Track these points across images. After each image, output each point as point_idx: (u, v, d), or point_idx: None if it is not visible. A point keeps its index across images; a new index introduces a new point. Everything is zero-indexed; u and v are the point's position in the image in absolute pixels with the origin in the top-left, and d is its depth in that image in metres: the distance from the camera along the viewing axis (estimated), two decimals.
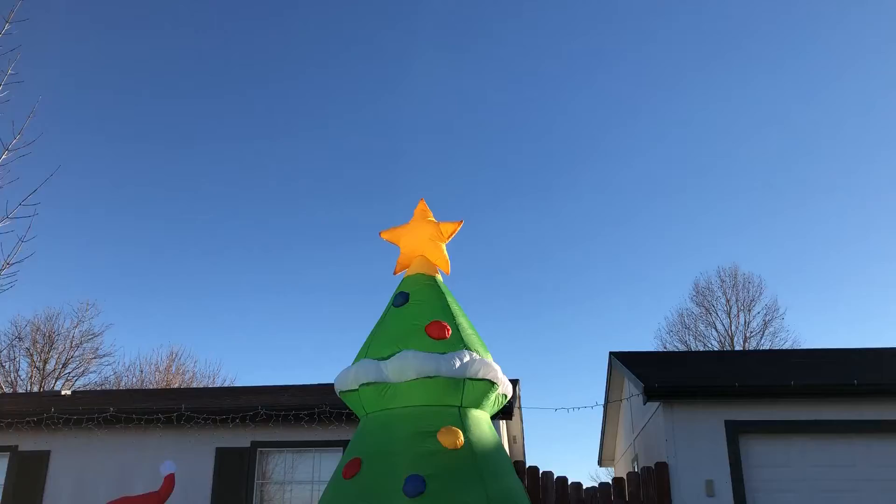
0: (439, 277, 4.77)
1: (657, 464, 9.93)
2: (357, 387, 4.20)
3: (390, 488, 3.71)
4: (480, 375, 4.17)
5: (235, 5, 32.36)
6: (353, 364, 4.34)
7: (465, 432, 3.98)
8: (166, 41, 32.92)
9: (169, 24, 32.42)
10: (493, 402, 4.37)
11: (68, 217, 35.20)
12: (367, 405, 4.24)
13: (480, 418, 4.23)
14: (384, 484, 3.75)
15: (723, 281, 31.92)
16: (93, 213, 36.61)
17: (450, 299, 4.57)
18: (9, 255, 5.70)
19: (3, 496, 10.00)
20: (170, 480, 3.28)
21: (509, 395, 4.50)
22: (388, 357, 4.17)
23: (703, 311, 31.72)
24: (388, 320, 4.45)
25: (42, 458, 10.24)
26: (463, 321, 4.44)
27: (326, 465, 10.17)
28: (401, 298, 4.51)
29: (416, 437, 3.91)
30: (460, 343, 4.25)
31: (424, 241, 4.73)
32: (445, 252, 4.78)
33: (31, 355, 28.86)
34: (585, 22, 32.52)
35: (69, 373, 29.30)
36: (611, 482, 10.18)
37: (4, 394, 22.10)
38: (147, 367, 30.04)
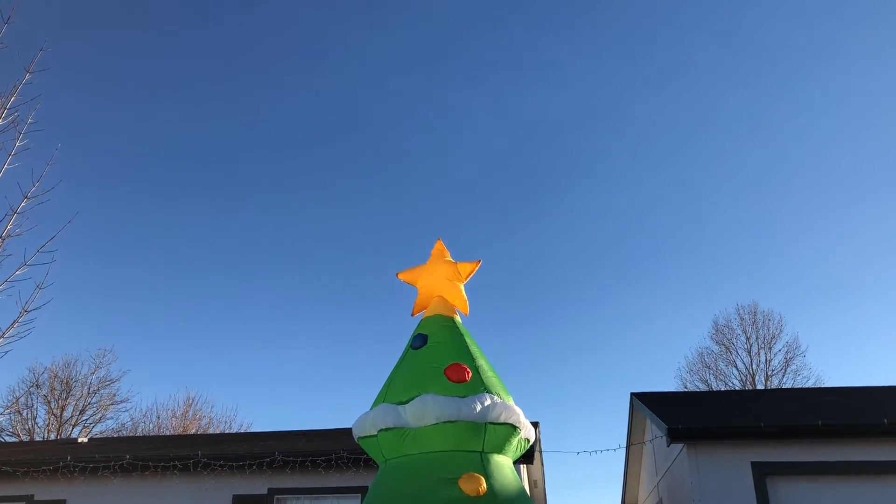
0: (458, 318, 4.70)
1: None
2: (376, 432, 4.11)
3: None
4: (502, 419, 4.08)
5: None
6: (371, 409, 4.26)
7: (487, 478, 3.87)
8: (189, 93, 33.51)
9: (193, 78, 33.01)
10: (516, 447, 4.26)
11: (86, 264, 35.46)
12: (385, 451, 4.14)
13: (503, 464, 4.12)
14: None
15: (742, 319, 31.55)
16: (109, 261, 36.89)
17: (469, 340, 4.49)
18: (27, 302, 5.69)
19: None
20: None
21: (532, 440, 4.39)
22: (408, 401, 4.08)
23: (723, 349, 31.31)
24: (407, 363, 4.37)
25: None
26: (483, 363, 4.36)
27: None
28: (419, 340, 4.44)
29: (437, 484, 3.81)
30: (481, 386, 4.16)
31: (442, 282, 4.68)
32: (464, 292, 4.72)
33: (49, 402, 28.86)
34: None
35: (86, 419, 29.22)
36: None
37: (21, 442, 22.04)
38: (164, 412, 29.93)
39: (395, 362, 4.55)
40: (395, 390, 4.21)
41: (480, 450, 4.01)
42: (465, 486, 3.78)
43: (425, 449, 3.99)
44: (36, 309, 5.68)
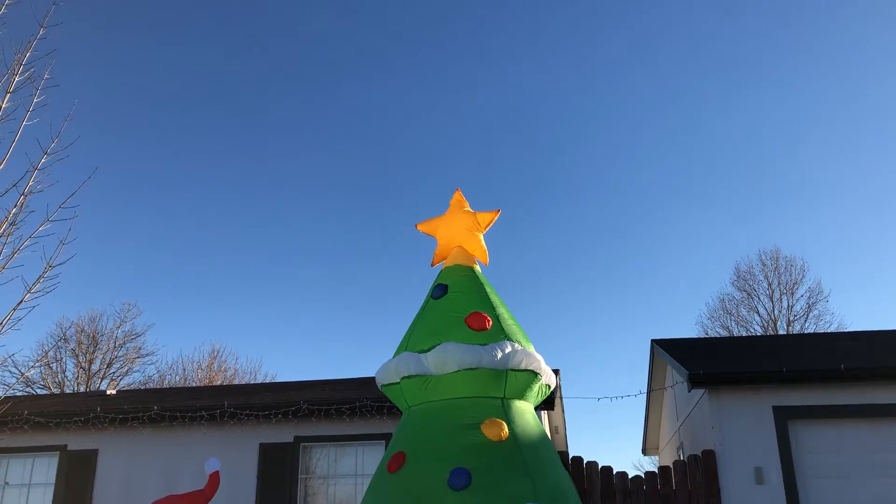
0: (478, 268, 4.70)
1: (704, 452, 9.77)
2: (398, 380, 4.15)
3: (436, 482, 3.66)
4: (523, 366, 4.10)
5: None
6: (393, 357, 4.30)
7: (509, 424, 3.91)
8: (204, 46, 33.29)
9: (208, 25, 32.76)
10: (537, 393, 4.30)
11: (108, 219, 35.81)
12: (408, 398, 4.19)
13: (524, 409, 4.16)
14: (429, 477, 3.70)
15: (764, 265, 31.37)
16: (132, 215, 37.22)
17: (489, 290, 4.50)
18: (51, 258, 5.76)
19: (54, 494, 10.19)
20: (215, 478, 3.27)
21: (553, 386, 4.41)
22: (429, 349, 4.11)
23: (745, 295, 31.22)
24: (428, 313, 4.40)
25: (90, 457, 10.41)
26: (503, 311, 4.37)
27: (369, 458, 10.18)
28: (439, 290, 4.45)
29: (459, 429, 3.86)
30: (501, 334, 4.18)
31: (461, 232, 4.66)
32: (483, 242, 4.71)
33: (77, 356, 29.46)
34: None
35: (114, 372, 29.85)
36: (657, 471, 10.04)
37: (52, 394, 22.57)
38: (189, 365, 30.49)
39: (417, 312, 4.57)
40: (417, 339, 4.24)
41: (502, 396, 4.05)
42: (488, 431, 3.83)
43: (447, 396, 4.03)
44: (60, 264, 5.75)
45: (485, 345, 4.05)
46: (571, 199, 37.35)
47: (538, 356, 4.23)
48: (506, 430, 3.86)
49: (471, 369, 3.99)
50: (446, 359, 4.02)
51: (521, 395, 4.16)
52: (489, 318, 4.20)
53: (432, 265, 4.75)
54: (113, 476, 10.32)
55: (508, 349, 4.07)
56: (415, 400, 4.17)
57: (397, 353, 4.32)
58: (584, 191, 37.70)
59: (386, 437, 9.59)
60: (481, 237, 4.66)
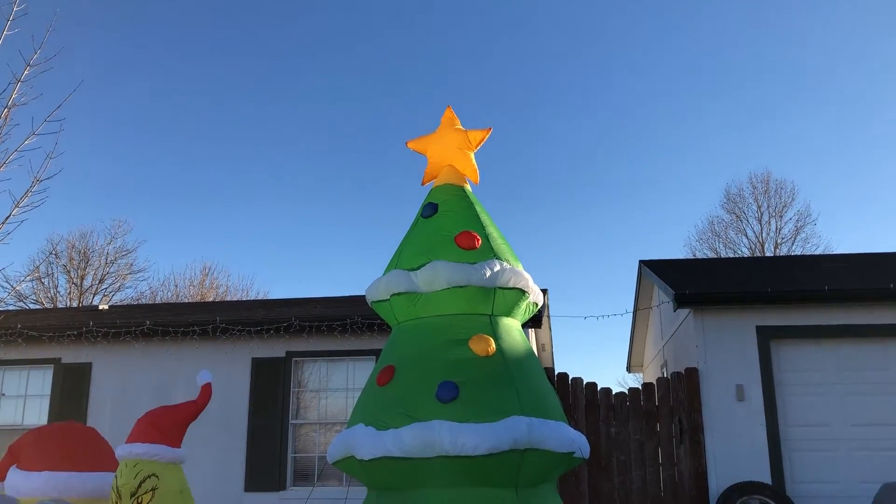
0: (468, 187, 4.69)
1: (687, 369, 10.00)
2: (388, 297, 4.20)
3: (424, 394, 3.75)
4: (511, 284, 4.15)
5: None
6: (383, 275, 4.33)
7: (496, 340, 3.98)
8: None
9: None
10: (524, 311, 4.36)
11: (96, 132, 35.32)
12: (398, 315, 4.25)
13: (511, 326, 4.22)
14: (418, 390, 3.79)
15: (754, 187, 31.41)
16: (120, 129, 36.70)
17: (479, 209, 4.50)
18: (38, 172, 5.72)
19: (50, 405, 10.38)
20: (207, 389, 3.33)
21: (540, 304, 4.47)
22: (419, 267, 4.14)
23: (734, 217, 31.37)
24: (418, 231, 4.41)
25: (84, 370, 10.56)
26: (493, 231, 4.39)
27: (360, 373, 10.38)
28: (429, 209, 4.45)
29: (448, 344, 3.93)
30: (490, 253, 4.21)
31: (452, 150, 4.64)
32: (474, 161, 4.69)
33: (69, 272, 29.53)
34: None
35: (106, 288, 30.00)
36: (640, 387, 10.29)
37: (45, 309, 22.72)
38: (181, 281, 30.65)
39: (407, 231, 4.58)
40: (407, 257, 4.27)
41: (490, 313, 4.10)
42: (475, 346, 3.90)
43: (436, 312, 4.09)
44: (48, 178, 5.72)
45: (474, 263, 4.09)
46: (561, 118, 37.02)
47: (526, 275, 4.27)
48: (493, 345, 3.93)
49: (460, 287, 4.03)
50: (436, 277, 4.05)
51: (509, 313, 4.22)
52: (479, 236, 4.22)
53: (422, 184, 4.74)
54: (107, 389, 10.50)
55: (497, 268, 4.11)
56: (404, 316, 4.23)
57: (387, 270, 4.35)
58: (574, 109, 37.33)
59: (376, 353, 9.75)
60: (472, 156, 4.63)
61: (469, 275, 4.03)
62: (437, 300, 4.07)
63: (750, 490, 9.15)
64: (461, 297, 4.04)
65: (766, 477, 9.39)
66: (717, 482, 9.46)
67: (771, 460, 9.44)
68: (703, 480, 9.58)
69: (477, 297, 4.06)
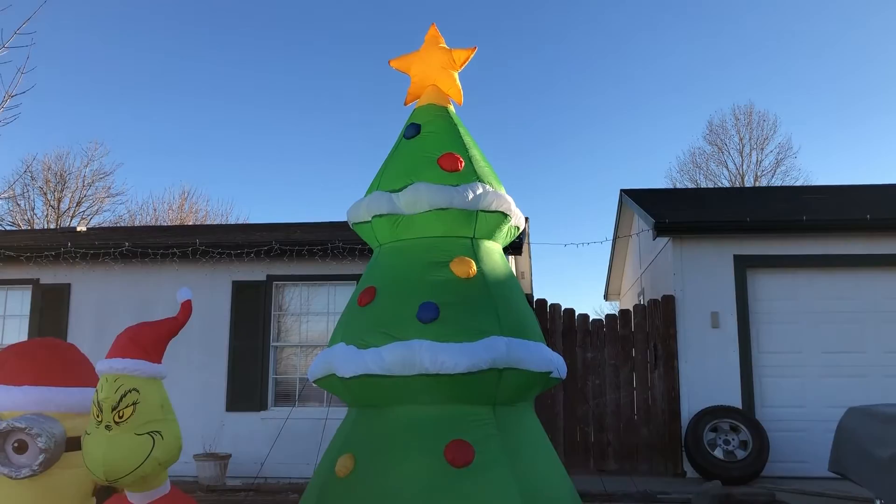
0: (452, 108, 4.62)
1: (664, 296, 10.13)
2: (370, 218, 4.18)
3: (404, 315, 3.77)
4: (493, 207, 4.13)
5: None
6: (365, 196, 4.30)
7: (477, 262, 3.99)
8: None
9: None
10: (506, 234, 4.36)
11: (70, 49, 34.34)
12: (379, 236, 4.23)
13: (492, 249, 4.23)
14: (398, 310, 3.81)
15: (737, 119, 31.33)
16: (96, 47, 35.70)
17: (462, 130, 4.45)
18: (9, 87, 5.55)
19: (30, 325, 10.37)
20: (187, 306, 3.32)
21: (521, 228, 4.48)
22: (401, 189, 4.11)
23: (716, 149, 31.39)
24: (400, 152, 4.36)
25: (63, 291, 10.53)
26: (476, 153, 4.35)
27: (341, 297, 10.43)
28: (412, 130, 4.39)
29: (429, 266, 3.93)
30: (473, 175, 4.18)
31: (436, 70, 4.55)
32: (458, 81, 4.61)
33: (45, 194, 29.13)
34: None
35: (83, 211, 29.70)
36: (617, 313, 10.44)
37: (22, 230, 22.49)
38: (160, 205, 30.37)
39: (389, 152, 4.53)
40: (389, 178, 4.23)
41: (471, 236, 4.10)
42: (456, 268, 3.91)
43: (418, 235, 4.08)
44: (21, 94, 5.56)
45: (456, 186, 4.06)
46: (548, 43, 36.42)
47: (508, 198, 4.25)
48: (474, 267, 3.94)
49: (442, 209, 4.02)
50: (417, 199, 4.03)
51: (491, 236, 4.22)
52: (461, 159, 4.19)
53: (405, 104, 4.66)
54: (86, 310, 10.48)
55: (480, 190, 4.09)
56: (385, 238, 4.22)
57: (369, 192, 4.32)
58: (561, 36, 36.70)
59: (357, 278, 9.77)
60: (456, 76, 4.55)
61: (451, 197, 4.01)
62: (418, 222, 4.06)
63: (720, 413, 9.41)
64: (443, 219, 4.03)
65: (736, 402, 9.65)
66: (690, 406, 9.71)
67: (742, 386, 9.68)
68: (675, 404, 9.82)
69: (459, 219, 4.05)
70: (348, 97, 39.52)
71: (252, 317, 10.36)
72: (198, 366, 10.24)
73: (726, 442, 9.31)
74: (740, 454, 9.21)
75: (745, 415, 9.42)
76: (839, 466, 6.99)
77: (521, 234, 10.29)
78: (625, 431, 10.06)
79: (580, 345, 10.29)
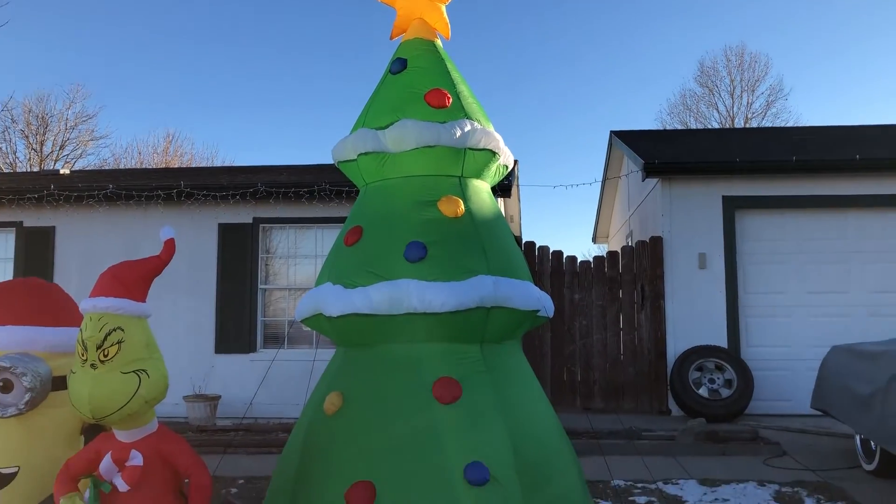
0: (439, 42, 4.50)
1: (651, 237, 10.15)
2: (355, 156, 4.10)
3: (392, 254, 3.73)
4: (482, 145, 4.06)
5: None
6: (350, 133, 4.21)
7: (465, 201, 3.94)
8: None
9: None
10: (494, 173, 4.30)
11: None
12: (366, 175, 4.16)
13: (481, 188, 4.17)
14: (385, 250, 3.77)
15: (728, 60, 31.07)
16: None
17: (450, 66, 4.34)
18: None
19: (14, 269, 10.30)
20: (170, 245, 3.27)
21: (510, 167, 4.41)
22: (387, 126, 4.02)
23: (707, 91, 31.20)
24: (386, 88, 4.25)
25: (47, 234, 10.44)
26: (464, 89, 4.25)
27: (328, 240, 10.40)
28: (398, 65, 4.27)
29: (416, 205, 3.87)
30: (461, 112, 4.09)
31: (422, 3, 4.41)
32: (445, 15, 4.47)
33: (27, 137, 28.68)
34: None
35: (67, 155, 29.34)
36: (605, 255, 10.46)
37: (4, 172, 22.19)
38: (144, 149, 30.01)
39: (374, 88, 4.43)
40: (374, 115, 4.14)
41: (459, 174, 4.04)
42: (444, 207, 3.85)
43: (405, 173, 4.01)
44: None
45: (444, 122, 3.97)
46: None
47: (497, 136, 4.18)
48: (462, 207, 3.89)
49: (429, 147, 3.94)
50: (404, 136, 3.95)
51: (479, 175, 4.16)
52: (449, 95, 4.09)
53: (391, 38, 4.54)
54: (71, 253, 10.41)
55: (468, 127, 4.01)
56: (372, 177, 4.15)
57: (354, 129, 4.23)
58: None
59: (344, 221, 9.73)
60: (443, 9, 4.42)
61: (439, 134, 3.93)
62: (405, 160, 3.98)
63: (706, 353, 9.52)
64: (430, 157, 3.96)
65: (722, 342, 9.76)
66: (676, 346, 9.82)
67: (728, 326, 9.79)
68: (661, 344, 9.93)
69: (446, 157, 3.98)
70: (334, 35, 38.79)
71: (239, 260, 10.32)
72: (186, 309, 10.24)
73: (711, 381, 9.45)
74: (725, 393, 9.35)
75: (730, 354, 9.54)
76: (821, 403, 7.12)
77: (509, 174, 10.24)
78: (611, 371, 10.18)
79: (568, 286, 10.33)
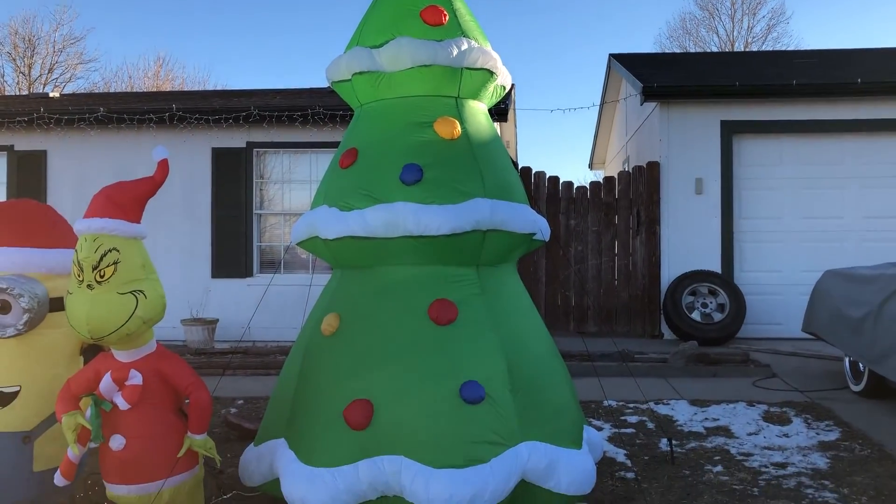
0: None
1: (648, 163, 10.10)
2: (350, 76, 4.02)
3: (387, 176, 3.70)
4: (479, 65, 3.98)
5: None
6: (345, 52, 4.12)
7: (461, 123, 3.89)
8: None
9: None
10: (492, 94, 4.23)
11: None
12: (360, 96, 4.09)
13: (477, 109, 4.12)
14: (381, 172, 3.74)
15: None
16: None
17: None
18: None
19: (7, 194, 10.25)
20: (163, 165, 3.24)
21: (508, 87, 4.34)
22: (381, 45, 3.93)
23: (707, 15, 30.60)
24: (381, 6, 4.14)
25: (39, 158, 10.34)
26: (460, 6, 4.15)
27: (323, 165, 10.31)
28: None
29: (412, 127, 3.83)
30: (458, 30, 4.00)
31: None
32: None
33: (14, 60, 28.14)
34: None
35: (56, 79, 28.84)
36: (601, 181, 10.42)
37: None
38: (135, 72, 29.49)
39: (369, 5, 4.31)
40: (369, 33, 4.04)
41: (456, 95, 3.98)
42: (440, 129, 3.81)
43: (400, 94, 3.95)
44: None
45: (440, 41, 3.89)
46: None
47: (495, 55, 4.10)
48: (458, 128, 3.85)
49: (425, 66, 3.87)
50: (400, 54, 3.87)
51: (476, 95, 4.09)
52: (445, 12, 3.99)
53: None
54: (64, 177, 10.34)
55: (465, 46, 3.92)
56: (367, 98, 4.08)
57: (348, 48, 4.14)
58: None
59: (338, 146, 9.66)
60: None
61: (435, 53, 3.85)
62: (400, 80, 3.92)
63: (699, 278, 9.59)
64: (426, 77, 3.89)
65: (716, 267, 9.82)
66: (670, 271, 9.88)
67: (722, 251, 9.83)
68: (656, 269, 9.99)
69: (443, 77, 3.91)
70: None
71: (233, 185, 10.27)
72: (182, 234, 10.24)
73: (704, 305, 9.55)
74: (717, 317, 9.46)
75: (723, 279, 9.61)
76: (812, 327, 7.21)
77: (506, 98, 10.10)
78: (605, 296, 10.27)
79: (563, 212, 10.32)
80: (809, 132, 9.76)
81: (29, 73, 28.09)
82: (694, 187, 9.79)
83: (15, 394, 3.36)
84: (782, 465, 4.62)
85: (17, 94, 26.41)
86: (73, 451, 3.05)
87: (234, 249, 10.24)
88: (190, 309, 9.94)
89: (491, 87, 4.17)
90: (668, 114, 9.89)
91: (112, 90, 28.18)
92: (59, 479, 3.09)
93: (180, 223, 10.16)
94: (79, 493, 3.92)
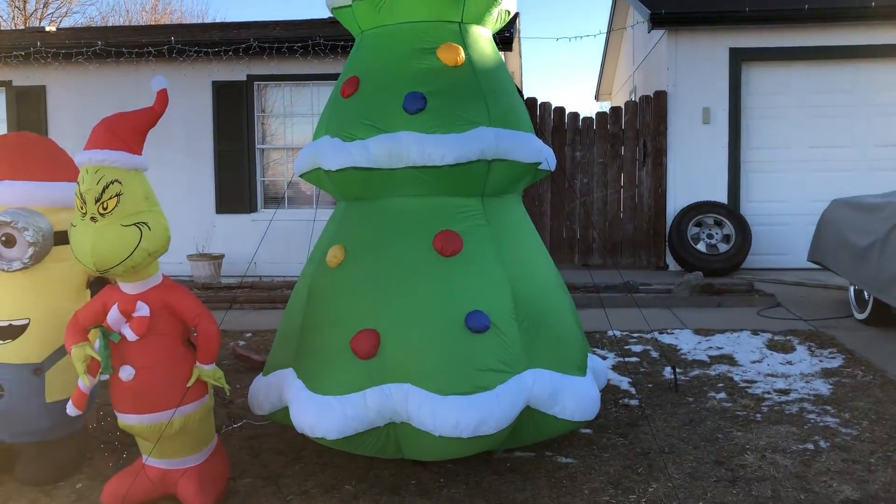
0: None
1: (656, 92, 9.95)
2: (350, 2, 3.92)
3: (390, 105, 3.64)
4: None
5: None
6: None
7: (465, 49, 3.80)
8: None
9: None
10: (496, 19, 4.13)
11: None
12: (361, 22, 4.00)
13: (482, 35, 4.02)
14: (383, 101, 3.68)
15: None
16: None
17: None
18: None
19: (7, 128, 10.19)
20: (163, 95, 3.18)
21: (512, 12, 4.23)
22: None
23: None
24: None
25: (39, 93, 10.25)
26: None
27: (325, 98, 10.18)
28: None
29: (414, 53, 3.74)
30: None
31: None
32: None
33: None
34: None
35: (52, 13, 28.34)
36: (608, 111, 10.29)
37: None
38: (132, 6, 28.94)
39: None
40: None
41: (459, 20, 3.88)
42: (443, 55, 3.73)
43: (402, 19, 3.85)
44: None
45: None
46: None
47: None
48: (462, 55, 3.76)
49: None
50: None
51: (480, 20, 3.99)
52: None
53: None
54: (64, 112, 10.27)
55: None
56: (368, 24, 3.99)
57: None
58: None
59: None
60: None
61: None
62: (402, 5, 3.82)
63: (705, 209, 9.55)
64: (429, 1, 3.79)
65: (722, 197, 9.77)
66: (676, 202, 9.83)
67: (729, 182, 9.76)
68: (661, 200, 9.94)
69: (446, 1, 3.81)
70: None
71: (235, 119, 10.18)
72: (184, 169, 10.20)
73: (710, 236, 9.53)
74: (723, 248, 9.46)
75: (729, 209, 9.57)
76: (818, 256, 7.20)
77: (510, 25, 9.89)
78: (610, 228, 10.25)
79: (569, 144, 10.23)
80: (821, 59, 9.56)
81: (24, 6, 27.59)
82: (701, 117, 9.66)
83: (24, 326, 3.39)
84: (785, 392, 4.67)
85: (14, 28, 26.00)
86: (84, 382, 3.08)
87: (237, 185, 10.20)
88: (195, 244, 9.97)
89: (495, 12, 4.07)
90: (676, 41, 9.69)
91: (110, 24, 27.69)
92: (71, 409, 3.14)
93: (183, 159, 10.10)
94: (91, 424, 4.00)
